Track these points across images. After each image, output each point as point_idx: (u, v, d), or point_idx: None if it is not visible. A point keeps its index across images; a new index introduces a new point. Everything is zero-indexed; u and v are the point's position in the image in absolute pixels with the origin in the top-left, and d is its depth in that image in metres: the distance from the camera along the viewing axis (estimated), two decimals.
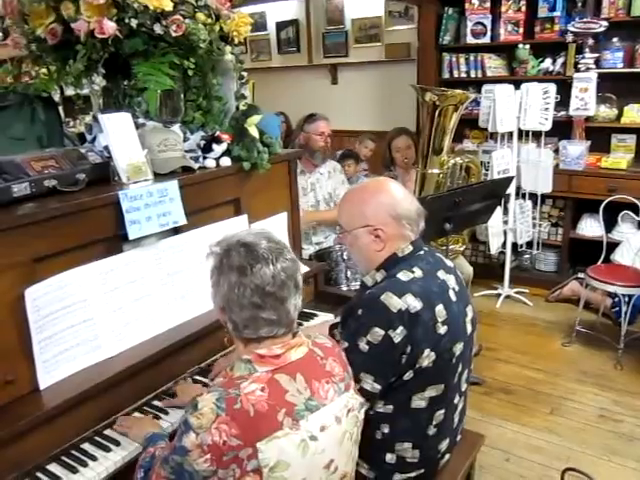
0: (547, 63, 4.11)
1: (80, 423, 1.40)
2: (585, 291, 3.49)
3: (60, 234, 1.40)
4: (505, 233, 3.97)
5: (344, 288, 2.76)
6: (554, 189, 3.84)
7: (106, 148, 1.62)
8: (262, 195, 1.98)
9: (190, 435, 1.05)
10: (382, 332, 1.34)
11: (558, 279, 4.08)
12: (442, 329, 1.40)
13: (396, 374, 1.39)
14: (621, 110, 3.92)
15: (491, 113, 3.69)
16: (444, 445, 1.53)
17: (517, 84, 3.76)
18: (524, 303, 3.97)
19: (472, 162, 3.53)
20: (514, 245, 4.02)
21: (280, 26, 5.81)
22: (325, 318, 2.02)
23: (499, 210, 3.75)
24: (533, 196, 3.89)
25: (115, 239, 1.54)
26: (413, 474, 1.50)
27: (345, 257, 2.80)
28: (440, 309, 1.41)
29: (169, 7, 1.64)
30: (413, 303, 1.36)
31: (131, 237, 1.52)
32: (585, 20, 3.76)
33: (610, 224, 3.64)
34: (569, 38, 3.84)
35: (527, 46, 4.11)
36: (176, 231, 1.69)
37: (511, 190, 3.78)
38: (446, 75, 4.52)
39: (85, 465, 1.32)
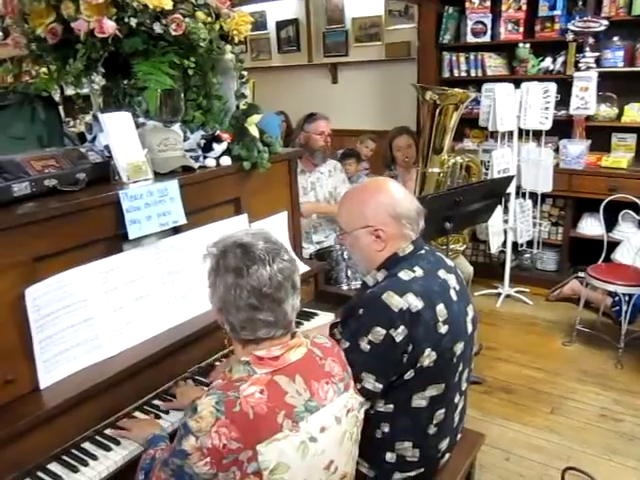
0: (547, 62, 4.11)
1: (81, 422, 1.40)
2: (585, 290, 3.49)
3: (60, 233, 1.40)
4: (505, 232, 3.97)
5: (344, 287, 2.76)
6: (554, 188, 3.84)
7: (106, 147, 1.62)
8: (262, 194, 1.98)
9: (190, 438, 1.05)
10: (383, 331, 1.34)
11: (558, 278, 4.07)
12: (443, 328, 1.40)
13: (397, 373, 1.39)
14: (621, 109, 3.91)
15: (491, 112, 3.69)
16: (444, 444, 1.53)
17: (517, 83, 3.76)
18: (524, 302, 3.97)
19: (472, 161, 3.53)
20: (514, 244, 4.02)
21: (280, 25, 5.81)
22: (325, 318, 2.02)
23: (499, 209, 3.74)
24: (533, 195, 3.89)
25: (115, 238, 1.54)
26: (413, 473, 1.50)
27: (345, 256, 2.80)
28: (441, 308, 1.40)
29: (169, 6, 1.64)
30: (414, 302, 1.36)
31: (131, 236, 1.52)
32: (586, 19, 3.76)
33: (610, 223, 3.64)
34: (569, 37, 3.83)
35: (527, 45, 4.10)
36: (176, 230, 1.69)
37: (511, 189, 3.78)
38: (446, 74, 4.52)
39: (86, 464, 1.32)
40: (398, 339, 1.34)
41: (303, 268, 2.07)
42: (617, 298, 3.32)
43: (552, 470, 2.37)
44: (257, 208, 1.95)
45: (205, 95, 1.91)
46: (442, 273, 1.49)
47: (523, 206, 3.93)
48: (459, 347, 1.46)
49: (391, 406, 1.43)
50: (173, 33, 1.67)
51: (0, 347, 1.30)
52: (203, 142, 1.82)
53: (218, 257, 1.16)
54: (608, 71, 3.82)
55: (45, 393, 1.37)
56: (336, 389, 1.19)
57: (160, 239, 1.65)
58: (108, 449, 1.37)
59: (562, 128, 3.95)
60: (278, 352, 1.14)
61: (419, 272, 1.43)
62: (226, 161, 1.83)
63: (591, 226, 3.95)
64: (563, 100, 3.81)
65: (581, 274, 3.74)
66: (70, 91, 1.98)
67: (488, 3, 4.19)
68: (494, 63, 4.34)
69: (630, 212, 3.45)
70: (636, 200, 3.38)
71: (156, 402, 1.55)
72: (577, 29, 3.76)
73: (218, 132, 1.84)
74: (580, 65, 3.82)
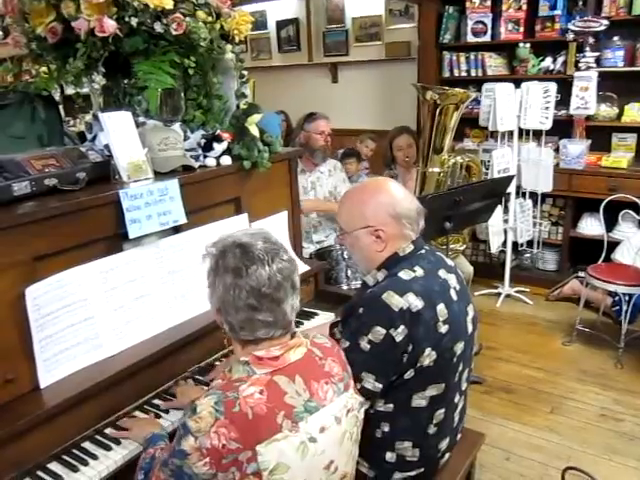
0: (548, 62, 4.11)
1: (81, 422, 1.40)
2: (585, 290, 3.49)
3: (60, 233, 1.39)
4: (505, 232, 3.96)
5: (344, 287, 2.76)
6: (554, 188, 3.84)
7: (106, 147, 1.62)
8: (262, 194, 1.98)
9: (189, 439, 1.05)
10: (383, 331, 1.34)
11: (558, 278, 4.07)
12: (443, 328, 1.40)
13: (397, 373, 1.39)
14: (622, 109, 3.91)
15: (491, 112, 3.69)
16: (444, 444, 1.53)
17: (517, 83, 3.76)
18: (524, 302, 3.97)
19: (472, 161, 3.53)
20: (514, 244, 4.02)
21: (280, 25, 5.81)
22: (325, 317, 2.02)
23: (499, 209, 3.74)
24: (533, 195, 3.89)
25: (115, 238, 1.54)
26: (413, 473, 1.49)
27: (346, 256, 2.80)
28: (441, 308, 1.40)
29: (169, 5, 1.64)
30: (414, 302, 1.36)
31: (131, 236, 1.52)
32: (586, 19, 3.76)
33: (610, 223, 3.64)
34: (570, 37, 3.84)
35: (528, 45, 4.10)
36: (176, 230, 1.69)
37: (511, 189, 3.78)
38: (446, 74, 4.52)
39: (86, 464, 1.32)
40: (398, 339, 1.34)
41: (303, 268, 2.07)
42: (617, 298, 3.32)
43: (552, 470, 2.37)
44: (257, 208, 1.95)
45: (205, 94, 1.91)
46: (442, 273, 1.49)
47: (523, 206, 3.93)
48: (459, 347, 1.46)
49: (391, 406, 1.43)
50: (174, 32, 1.67)
51: (0, 346, 1.30)
52: (203, 141, 1.82)
53: (217, 257, 1.16)
54: (608, 71, 3.82)
55: (45, 392, 1.37)
56: (336, 389, 1.19)
57: (160, 238, 1.65)
58: (108, 448, 1.37)
59: (562, 128, 3.95)
60: (278, 352, 1.14)
61: (419, 272, 1.43)
62: (226, 160, 1.83)
63: (591, 226, 3.95)
64: (563, 100, 3.81)
65: (581, 274, 3.74)
66: (70, 90, 1.98)
67: (488, 3, 4.19)
68: (494, 63, 4.34)
69: (630, 212, 3.45)
70: (636, 200, 3.38)
71: (156, 401, 1.55)
72: (577, 29, 3.76)
73: (218, 131, 1.84)
74: (580, 65, 3.82)
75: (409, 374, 1.39)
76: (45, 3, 1.62)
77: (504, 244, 4.00)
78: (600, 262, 3.42)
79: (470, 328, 1.53)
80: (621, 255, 3.57)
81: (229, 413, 1.05)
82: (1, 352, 1.30)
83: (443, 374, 1.44)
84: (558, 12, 3.95)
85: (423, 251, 1.50)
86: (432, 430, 1.47)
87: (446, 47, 4.48)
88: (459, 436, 1.64)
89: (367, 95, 5.41)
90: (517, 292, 4.04)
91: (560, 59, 4.05)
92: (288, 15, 5.74)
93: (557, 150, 3.96)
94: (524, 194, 3.91)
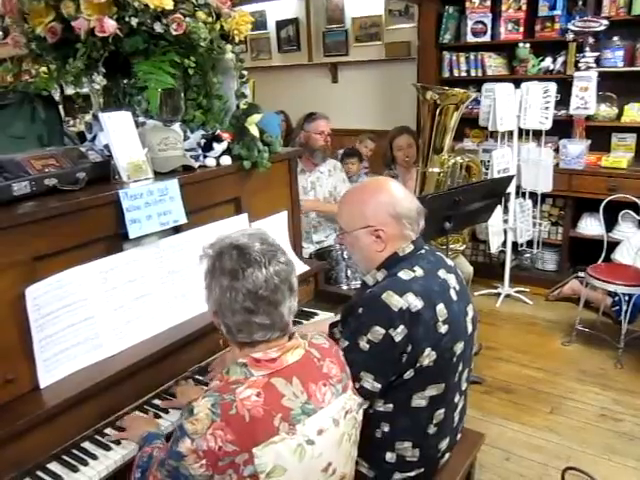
0: (547, 62, 4.11)
1: (81, 422, 1.40)
2: (585, 290, 3.49)
3: (60, 233, 1.39)
4: (505, 232, 3.97)
5: (344, 287, 2.76)
6: (554, 188, 3.84)
7: (106, 147, 1.62)
8: (262, 194, 1.98)
9: (185, 440, 1.05)
10: (383, 331, 1.34)
11: (558, 278, 4.08)
12: (443, 328, 1.40)
13: (396, 373, 1.39)
14: (621, 109, 3.91)
15: (491, 112, 3.69)
16: (444, 444, 1.53)
17: (517, 83, 3.76)
18: (524, 302, 3.97)
19: (472, 161, 3.53)
20: (514, 244, 4.02)
21: (280, 25, 5.81)
22: (325, 317, 2.02)
23: (499, 209, 3.75)
24: (533, 195, 3.89)
25: (115, 238, 1.54)
26: (413, 473, 1.50)
27: (345, 256, 2.80)
28: (441, 308, 1.40)
29: (169, 6, 1.64)
30: (414, 302, 1.36)
31: (131, 236, 1.52)
32: (586, 19, 3.76)
33: (610, 223, 3.64)
34: (569, 37, 3.84)
35: (527, 45, 4.10)
36: (176, 230, 1.69)
37: (511, 189, 3.78)
38: (446, 74, 4.52)
39: (86, 464, 1.32)
40: (397, 339, 1.34)
41: (303, 268, 2.08)
42: (617, 298, 3.33)
43: (552, 470, 2.37)
44: (257, 208, 1.95)
45: (205, 94, 1.91)
46: (442, 273, 1.49)
47: (523, 206, 3.93)
48: (459, 347, 1.46)
49: (391, 406, 1.43)
50: (174, 33, 1.67)
51: (0, 346, 1.30)
52: (203, 141, 1.82)
53: (214, 259, 1.15)
54: (608, 71, 3.82)
55: (45, 392, 1.37)
56: (334, 391, 1.19)
57: (160, 238, 1.65)
58: (108, 448, 1.37)
59: (562, 128, 3.95)
60: (275, 354, 1.13)
61: (419, 272, 1.43)
62: (226, 160, 1.83)
63: (591, 226, 3.95)
64: (563, 100, 3.81)
65: (581, 274, 3.74)
66: (70, 90, 1.98)
67: (488, 3, 4.19)
68: (494, 63, 4.34)
69: (630, 212, 3.45)
70: (636, 200, 3.38)
71: (156, 401, 1.55)
72: (577, 29, 3.76)
73: (218, 131, 1.84)
74: (580, 65, 3.82)
75: (409, 374, 1.39)
76: (45, 3, 1.62)
77: (504, 244, 4.00)
78: (600, 262, 3.42)
79: (470, 328, 1.53)
80: (621, 255, 3.57)
81: (226, 415, 1.04)
82: (1, 352, 1.30)
83: (443, 374, 1.44)
84: (558, 12, 3.95)
85: (423, 251, 1.50)
86: (432, 430, 1.47)
87: (446, 47, 4.48)
88: (459, 436, 1.64)
89: (367, 95, 5.41)
90: (517, 292, 4.05)
91: (560, 59, 4.05)
92: (288, 15, 5.74)
93: (557, 150, 3.96)
94: (524, 194, 3.91)
